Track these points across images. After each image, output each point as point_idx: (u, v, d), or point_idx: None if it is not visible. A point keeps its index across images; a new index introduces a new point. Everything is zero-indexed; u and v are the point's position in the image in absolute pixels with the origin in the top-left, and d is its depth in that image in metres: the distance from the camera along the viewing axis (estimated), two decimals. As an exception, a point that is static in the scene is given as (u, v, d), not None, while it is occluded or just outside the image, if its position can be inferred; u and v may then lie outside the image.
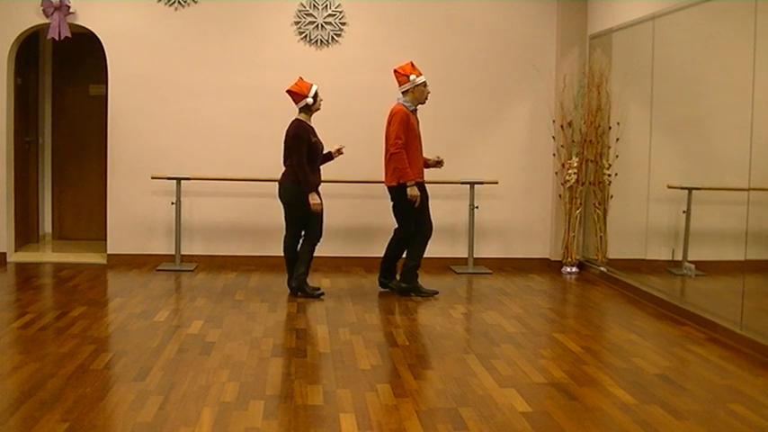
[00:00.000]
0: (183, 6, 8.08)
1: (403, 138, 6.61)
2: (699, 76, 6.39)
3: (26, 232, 8.88)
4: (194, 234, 8.22)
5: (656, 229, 7.01)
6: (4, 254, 8.03)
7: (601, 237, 7.95)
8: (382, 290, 7.04)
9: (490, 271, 8.09)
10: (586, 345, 5.43)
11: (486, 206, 8.25)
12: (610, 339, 5.76)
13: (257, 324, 5.83)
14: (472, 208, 8.09)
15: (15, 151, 8.22)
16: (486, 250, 8.38)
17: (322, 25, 8.18)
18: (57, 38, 7.89)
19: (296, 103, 6.76)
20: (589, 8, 8.23)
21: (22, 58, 8.42)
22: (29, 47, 8.70)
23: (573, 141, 8.15)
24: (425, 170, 6.96)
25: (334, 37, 8.20)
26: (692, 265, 6.34)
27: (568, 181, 8.09)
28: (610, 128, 7.79)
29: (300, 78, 6.80)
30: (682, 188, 6.46)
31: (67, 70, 9.31)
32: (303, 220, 6.74)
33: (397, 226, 6.95)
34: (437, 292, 6.95)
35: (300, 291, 6.76)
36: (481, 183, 8.11)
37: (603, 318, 6.59)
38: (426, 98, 6.85)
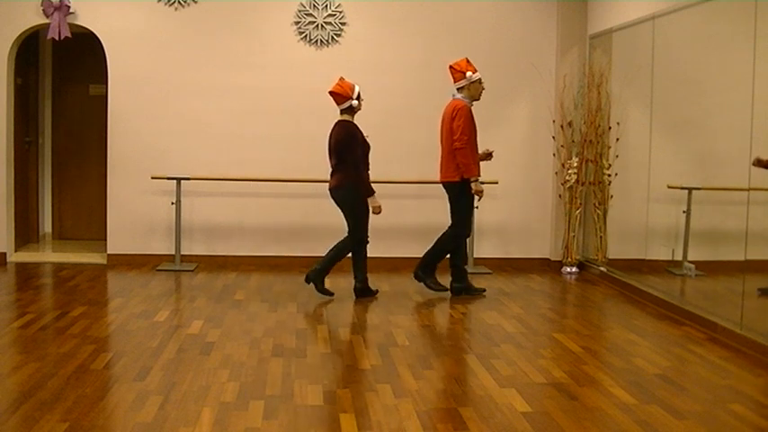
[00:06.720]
0: (183, 6, 8.08)
1: (468, 134, 6.60)
2: (699, 76, 6.38)
3: (26, 232, 8.88)
4: (194, 234, 8.22)
5: (656, 229, 7.01)
6: (4, 254, 8.03)
7: (601, 237, 7.95)
8: (417, 282, 7.01)
9: (490, 271, 8.09)
10: (586, 345, 5.43)
11: (485, 206, 8.25)
12: (610, 339, 5.76)
13: (257, 324, 5.82)
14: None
15: (15, 151, 8.21)
16: (486, 250, 8.38)
17: (322, 25, 8.17)
18: (57, 38, 7.89)
19: (338, 105, 6.57)
20: (589, 8, 8.23)
21: (22, 58, 8.41)
22: (29, 47, 8.69)
23: (573, 141, 8.15)
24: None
25: (334, 37, 8.20)
26: (692, 265, 6.33)
27: (568, 181, 8.09)
28: (610, 128, 7.79)
29: (342, 78, 6.63)
30: (682, 188, 6.45)
31: (67, 70, 9.31)
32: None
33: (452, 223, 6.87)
34: (485, 290, 6.99)
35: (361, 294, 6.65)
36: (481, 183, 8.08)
37: (603, 318, 6.59)
38: (480, 95, 6.80)
